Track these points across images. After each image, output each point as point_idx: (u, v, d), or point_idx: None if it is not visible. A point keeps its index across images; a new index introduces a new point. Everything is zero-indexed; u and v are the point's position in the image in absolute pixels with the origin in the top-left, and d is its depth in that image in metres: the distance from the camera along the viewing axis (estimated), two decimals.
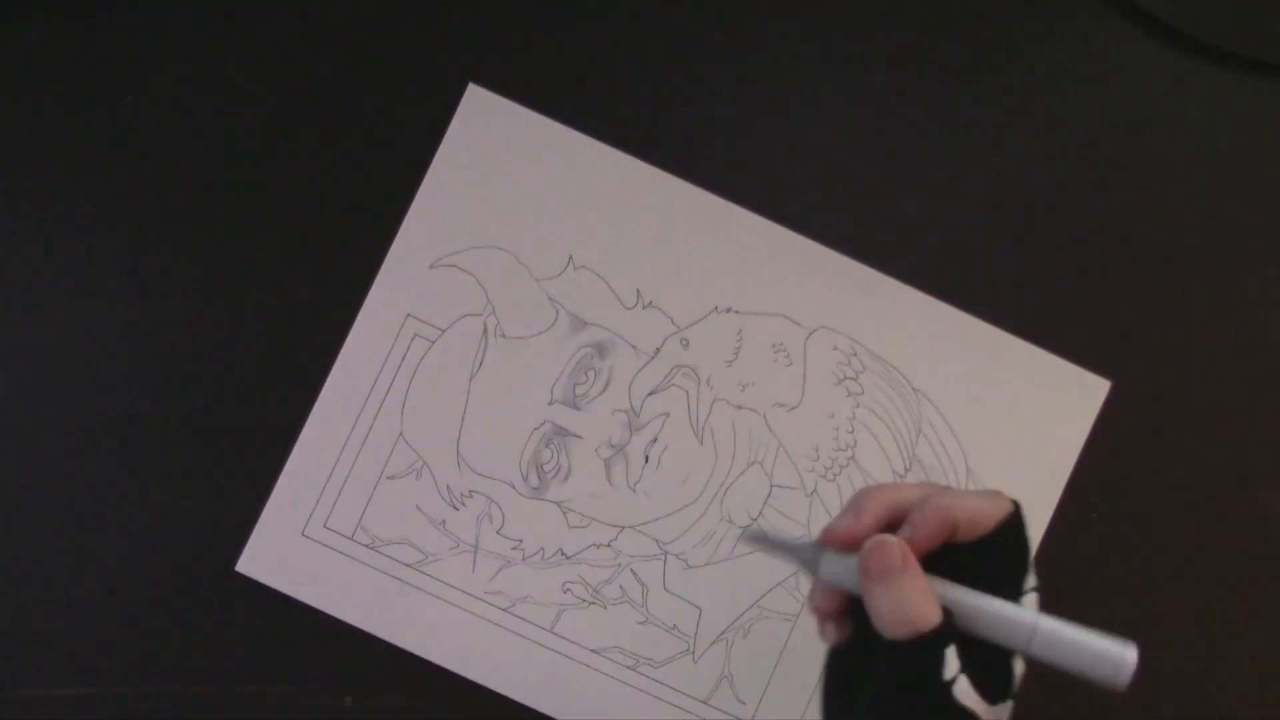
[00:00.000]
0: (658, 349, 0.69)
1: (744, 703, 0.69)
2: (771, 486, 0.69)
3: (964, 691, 0.48)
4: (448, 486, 0.69)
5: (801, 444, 0.70)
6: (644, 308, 0.69)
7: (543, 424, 0.69)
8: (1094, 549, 0.69)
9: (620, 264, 0.70)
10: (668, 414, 0.69)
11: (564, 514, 0.69)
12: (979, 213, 0.70)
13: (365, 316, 0.69)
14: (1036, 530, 0.69)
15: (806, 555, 0.55)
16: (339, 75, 0.70)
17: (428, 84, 0.70)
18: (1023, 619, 0.49)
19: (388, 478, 0.69)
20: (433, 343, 0.69)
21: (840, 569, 0.53)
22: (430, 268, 0.69)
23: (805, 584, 0.68)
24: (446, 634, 0.69)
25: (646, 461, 0.69)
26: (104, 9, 0.69)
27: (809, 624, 0.67)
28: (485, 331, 0.69)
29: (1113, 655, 0.48)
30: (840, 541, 0.53)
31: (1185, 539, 0.70)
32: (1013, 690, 0.50)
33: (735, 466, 0.69)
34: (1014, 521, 0.52)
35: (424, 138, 0.69)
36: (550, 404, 0.69)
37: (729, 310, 0.70)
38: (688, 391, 0.69)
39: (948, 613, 0.50)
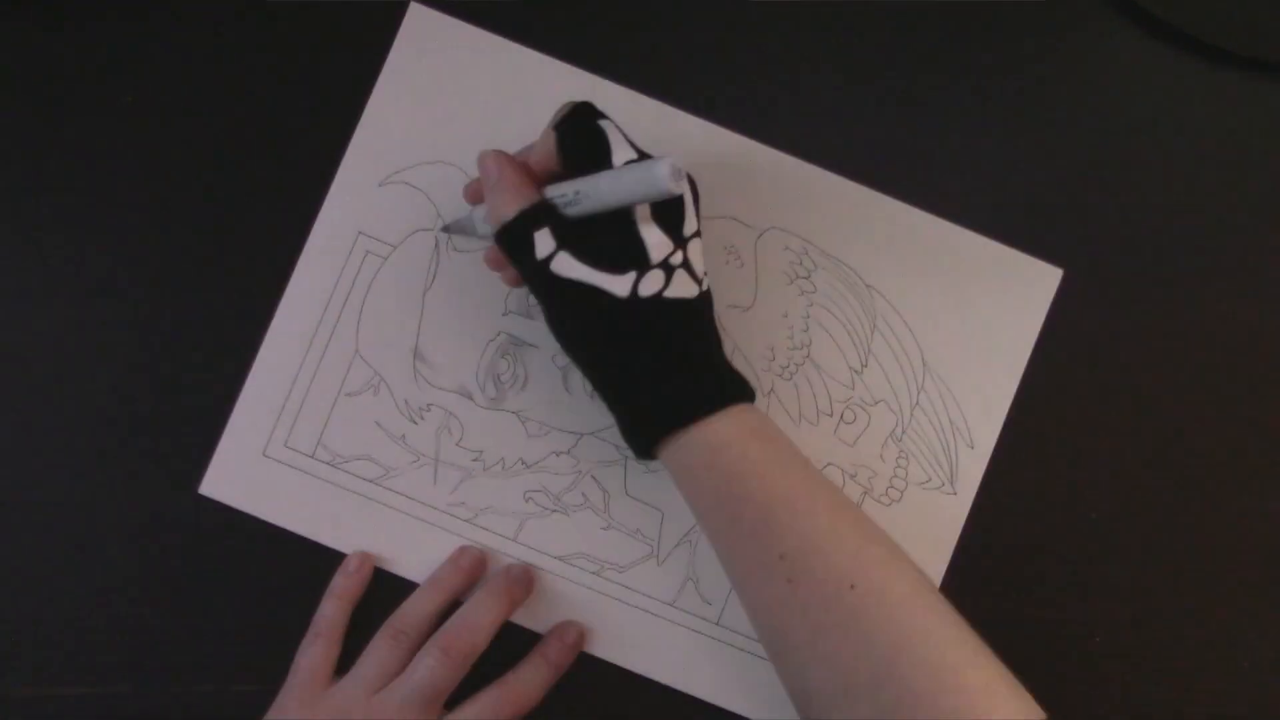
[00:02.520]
0: None
1: (710, 604, 0.70)
2: None
3: (563, 264, 0.57)
4: (405, 401, 0.70)
5: (756, 344, 0.70)
6: None
7: (498, 335, 0.70)
8: (1093, 549, 0.70)
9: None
10: None
11: (523, 423, 0.70)
12: (983, 211, 0.72)
13: (316, 237, 0.71)
14: (994, 422, 0.71)
15: (468, 222, 0.66)
16: (340, 66, 0.72)
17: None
18: (573, 183, 0.57)
19: (346, 395, 0.70)
20: (385, 259, 0.71)
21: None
22: (380, 185, 0.71)
23: None
24: (411, 547, 0.70)
25: None
26: (104, 9, 0.72)
27: None
28: (437, 246, 0.71)
29: (651, 174, 0.53)
30: (476, 194, 0.64)
31: (1185, 539, 0.70)
32: (649, 259, 0.57)
33: None
34: (571, 124, 0.60)
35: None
36: (505, 314, 0.70)
37: None
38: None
39: (539, 204, 0.58)
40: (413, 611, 0.67)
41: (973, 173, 0.72)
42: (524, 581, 0.68)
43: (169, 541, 0.70)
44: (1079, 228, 0.72)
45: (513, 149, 0.64)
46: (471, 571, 0.68)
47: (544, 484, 0.70)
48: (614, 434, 0.67)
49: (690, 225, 0.59)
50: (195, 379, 0.70)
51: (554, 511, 0.70)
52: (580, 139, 0.59)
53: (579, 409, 0.70)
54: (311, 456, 0.70)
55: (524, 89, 0.71)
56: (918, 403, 0.70)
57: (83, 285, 0.71)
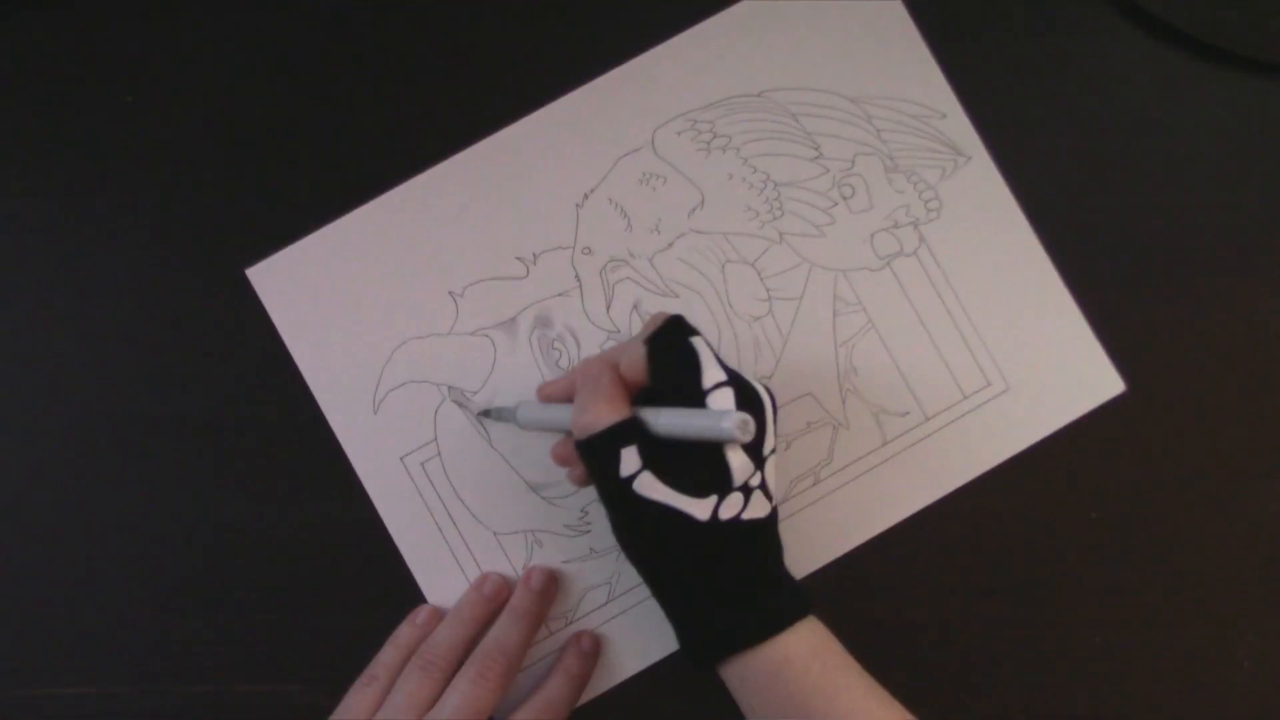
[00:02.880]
0: (577, 276, 0.71)
1: None
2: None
3: (646, 484, 0.57)
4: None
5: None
6: (535, 265, 0.71)
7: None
8: (1093, 549, 0.71)
9: (488, 261, 0.71)
10: (637, 301, 0.71)
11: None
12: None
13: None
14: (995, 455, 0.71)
15: (513, 415, 0.66)
16: (339, 67, 0.72)
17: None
18: (654, 415, 0.57)
19: None
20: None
21: (539, 416, 0.65)
22: (375, 414, 0.71)
23: None
24: None
25: None
26: (104, 9, 0.71)
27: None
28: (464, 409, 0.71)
29: (719, 426, 0.55)
30: (550, 394, 0.65)
31: (1185, 539, 0.71)
32: (731, 482, 0.57)
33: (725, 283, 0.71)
34: (663, 341, 0.60)
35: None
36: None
37: (577, 203, 0.72)
38: (633, 274, 0.70)
39: (630, 422, 0.58)
40: (441, 641, 0.67)
41: None
42: (547, 592, 0.69)
43: (169, 542, 0.70)
44: (1078, 226, 0.72)
45: (444, 287, 0.68)
46: (495, 597, 0.69)
47: None
48: None
49: (769, 444, 0.60)
50: (194, 378, 0.70)
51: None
52: (671, 355, 0.60)
53: None
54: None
55: (400, 239, 0.72)
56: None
57: (83, 284, 0.71)
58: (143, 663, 0.69)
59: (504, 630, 0.67)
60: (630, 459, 0.57)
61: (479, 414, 0.70)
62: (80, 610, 0.69)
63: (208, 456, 0.70)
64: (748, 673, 0.59)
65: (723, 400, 0.57)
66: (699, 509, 0.57)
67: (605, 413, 0.59)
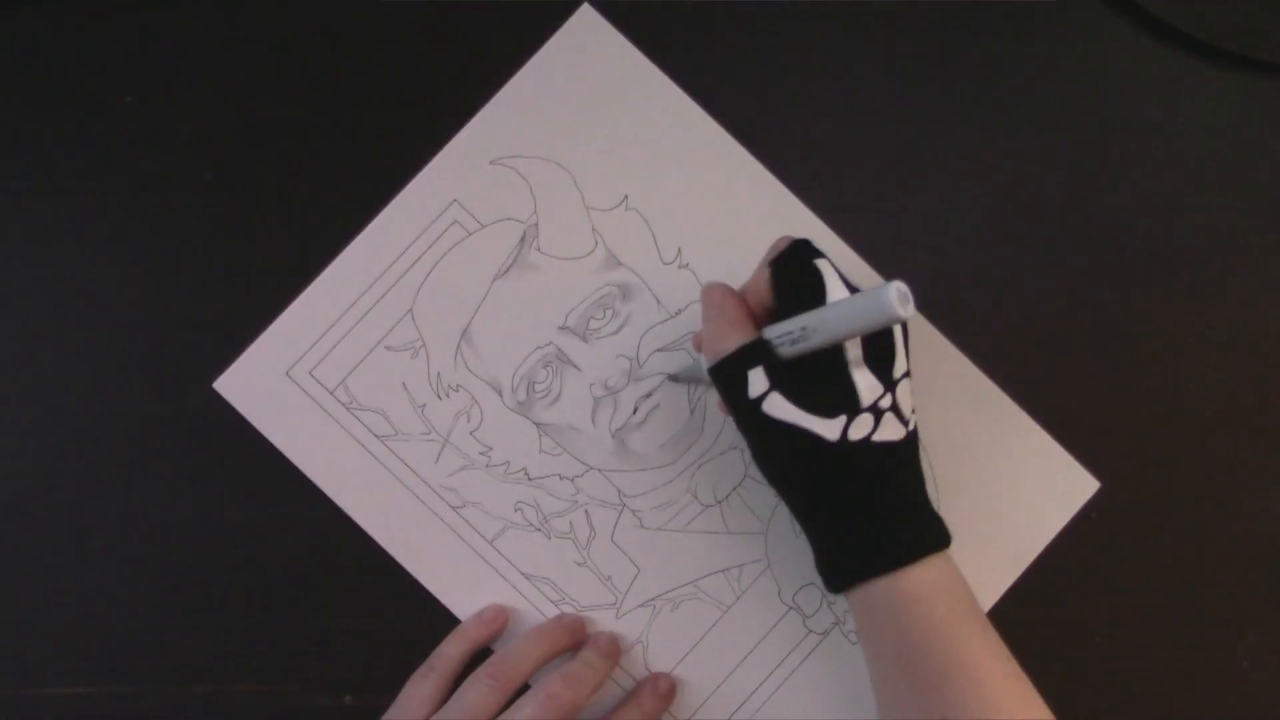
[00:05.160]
0: (680, 311, 0.71)
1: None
2: (745, 476, 0.71)
3: (776, 405, 0.57)
4: (438, 374, 0.70)
5: None
6: (680, 267, 0.71)
7: (548, 344, 0.71)
8: (1092, 549, 0.71)
9: (671, 218, 0.71)
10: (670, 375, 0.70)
11: (540, 437, 0.70)
12: (982, 210, 0.72)
13: (412, 190, 0.71)
14: (996, 589, 0.71)
15: (696, 370, 0.66)
16: (339, 67, 0.72)
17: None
18: (797, 319, 0.56)
19: (385, 347, 0.70)
20: (469, 234, 0.71)
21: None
22: (490, 163, 0.71)
23: (745, 577, 0.71)
24: (390, 512, 0.70)
25: (635, 413, 0.70)
26: (103, 8, 0.71)
27: (738, 616, 0.69)
28: (523, 240, 0.71)
29: (878, 301, 0.51)
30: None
31: (1185, 539, 0.71)
32: (859, 403, 0.56)
33: (716, 446, 0.71)
34: (787, 263, 0.60)
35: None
36: (561, 329, 0.70)
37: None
38: (696, 361, 0.69)
39: (756, 343, 0.58)
40: (515, 657, 0.67)
41: (972, 169, 0.72)
42: (617, 654, 0.69)
43: (169, 542, 0.69)
44: (1078, 226, 0.72)
45: (628, 176, 0.69)
46: (575, 633, 0.69)
47: (538, 500, 0.70)
48: (622, 478, 0.69)
49: (900, 366, 0.59)
50: (193, 379, 0.70)
51: (536, 530, 0.70)
52: (795, 276, 0.59)
53: (598, 443, 0.70)
54: (331, 392, 0.70)
55: (660, 122, 0.72)
56: None
57: (83, 284, 0.71)
58: (143, 663, 0.69)
59: (582, 666, 0.67)
60: (758, 380, 0.58)
61: (669, 377, 0.70)
62: (80, 610, 0.69)
63: (207, 456, 0.70)
64: (874, 604, 0.58)
65: None
66: (828, 429, 0.57)
67: (731, 335, 0.59)
